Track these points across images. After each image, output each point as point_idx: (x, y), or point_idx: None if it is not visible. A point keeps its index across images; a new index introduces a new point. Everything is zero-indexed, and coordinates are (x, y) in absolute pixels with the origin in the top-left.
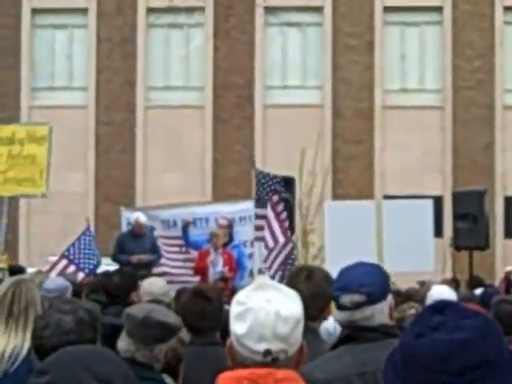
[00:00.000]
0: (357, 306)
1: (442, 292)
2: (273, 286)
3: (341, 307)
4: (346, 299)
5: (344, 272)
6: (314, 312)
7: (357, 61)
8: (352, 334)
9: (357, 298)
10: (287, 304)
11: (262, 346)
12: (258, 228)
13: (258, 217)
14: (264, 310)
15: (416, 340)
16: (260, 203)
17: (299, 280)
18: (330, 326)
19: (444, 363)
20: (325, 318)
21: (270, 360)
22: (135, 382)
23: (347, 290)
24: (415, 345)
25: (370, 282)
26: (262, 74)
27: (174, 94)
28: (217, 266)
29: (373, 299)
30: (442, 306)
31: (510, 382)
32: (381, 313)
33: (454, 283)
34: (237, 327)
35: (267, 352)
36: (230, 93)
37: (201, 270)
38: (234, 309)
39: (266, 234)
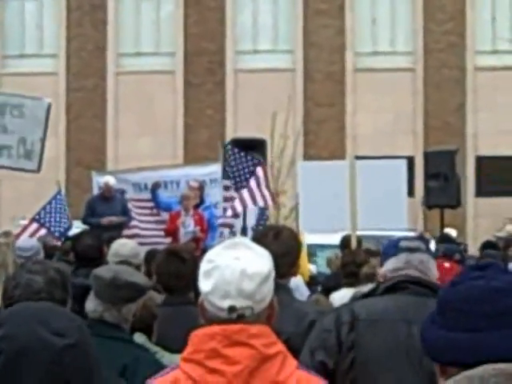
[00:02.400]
0: (418, 249)
1: None
2: (244, 243)
3: (399, 250)
4: (408, 243)
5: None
6: (283, 270)
7: (328, 25)
8: (400, 284)
9: (417, 243)
10: (255, 261)
11: (226, 303)
12: (227, 199)
13: (225, 188)
14: (230, 267)
15: (453, 287)
16: (226, 175)
17: (267, 240)
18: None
19: (477, 305)
20: (294, 275)
21: (236, 317)
22: (88, 337)
23: (407, 238)
24: (451, 290)
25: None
26: (232, 40)
27: (144, 60)
28: (188, 227)
29: (427, 249)
30: (483, 265)
31: None
32: (432, 267)
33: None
34: (203, 284)
35: (231, 308)
36: (201, 58)
37: (171, 232)
38: (203, 266)
39: (236, 202)
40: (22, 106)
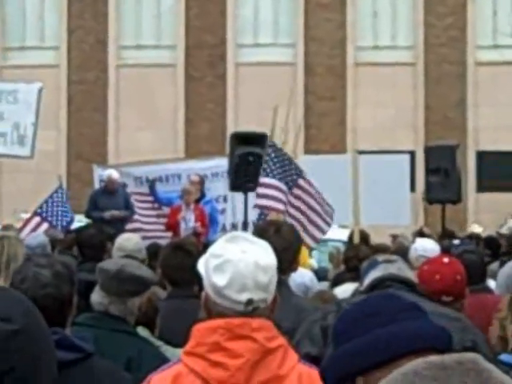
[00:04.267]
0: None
1: (424, 245)
2: (245, 237)
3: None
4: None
5: None
6: (284, 265)
7: (329, 18)
8: (384, 281)
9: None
10: (263, 254)
11: (244, 296)
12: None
13: (261, 185)
14: (243, 260)
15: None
16: (265, 173)
17: (268, 235)
18: (308, 280)
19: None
20: (294, 270)
21: (251, 309)
22: (38, 321)
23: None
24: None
25: None
26: (234, 33)
27: (145, 53)
28: (189, 221)
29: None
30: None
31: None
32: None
33: (419, 236)
34: (217, 279)
35: (249, 301)
36: (202, 51)
37: (172, 226)
38: (212, 261)
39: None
40: (17, 92)
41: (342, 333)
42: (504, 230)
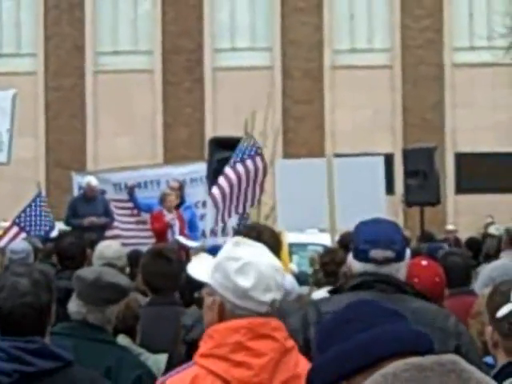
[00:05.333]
0: (387, 261)
1: None
2: (246, 241)
3: (367, 260)
4: (378, 254)
5: (370, 227)
6: None
7: (305, 22)
8: (366, 281)
9: (389, 254)
10: (271, 256)
11: (268, 297)
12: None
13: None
14: (263, 263)
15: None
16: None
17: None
18: (288, 284)
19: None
20: None
21: (271, 310)
22: None
23: (378, 245)
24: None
25: (398, 239)
26: (210, 37)
27: (122, 59)
28: (175, 230)
29: (400, 257)
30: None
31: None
32: (401, 270)
33: None
34: (241, 281)
35: (274, 302)
36: (179, 56)
37: (160, 231)
38: (231, 265)
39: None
40: None
41: (324, 340)
42: (493, 230)
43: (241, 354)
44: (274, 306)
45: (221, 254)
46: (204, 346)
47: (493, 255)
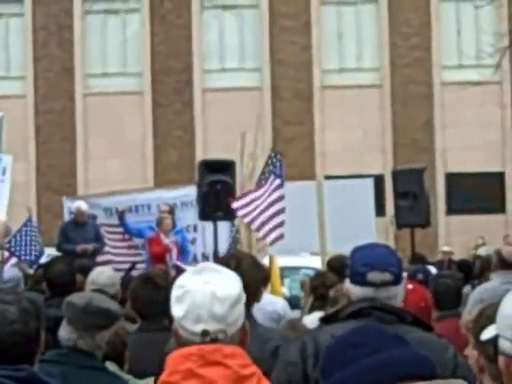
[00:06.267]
0: (384, 284)
1: None
2: (213, 268)
3: (365, 283)
4: (376, 277)
5: (366, 251)
6: (247, 299)
7: (294, 41)
8: (365, 309)
9: (387, 276)
10: (225, 285)
11: (199, 327)
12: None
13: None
14: (200, 291)
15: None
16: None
17: (229, 269)
18: (280, 308)
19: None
20: (258, 300)
21: (209, 340)
22: None
23: (376, 268)
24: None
25: (395, 262)
26: (199, 58)
27: (112, 81)
28: (173, 254)
29: (398, 280)
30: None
31: None
32: (399, 295)
33: None
34: (176, 310)
35: (204, 332)
36: (168, 78)
37: (159, 256)
38: (174, 293)
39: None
40: None
41: (329, 365)
42: (482, 252)
43: (191, 381)
44: (211, 336)
45: (176, 280)
46: (163, 373)
47: (478, 277)
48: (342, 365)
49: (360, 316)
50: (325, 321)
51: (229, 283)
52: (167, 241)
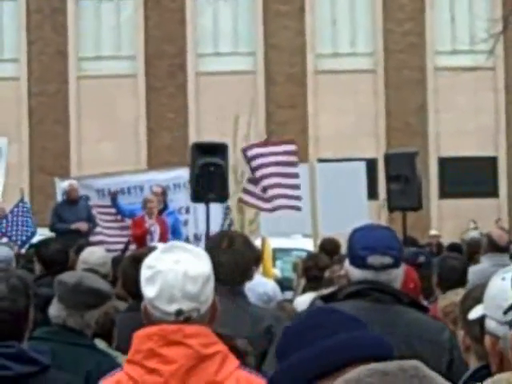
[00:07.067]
0: (384, 267)
1: None
2: (181, 246)
3: (365, 266)
4: (376, 260)
5: (366, 233)
6: (239, 277)
7: (288, 26)
8: (364, 290)
9: (387, 260)
10: (195, 264)
11: (173, 307)
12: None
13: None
14: (172, 271)
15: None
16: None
17: (221, 249)
18: (270, 290)
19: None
20: (250, 279)
21: (183, 319)
22: None
23: (376, 251)
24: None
25: (396, 245)
26: (193, 42)
27: (105, 64)
28: (154, 233)
29: (397, 262)
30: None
31: None
32: (399, 277)
33: None
34: (148, 290)
35: (179, 312)
36: (162, 61)
37: (140, 237)
38: (144, 273)
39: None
40: None
41: (287, 346)
42: (466, 237)
43: (153, 360)
44: (185, 315)
45: (145, 260)
46: (129, 352)
47: (467, 260)
48: (300, 346)
49: (358, 296)
50: (323, 300)
51: (199, 261)
52: (149, 223)
